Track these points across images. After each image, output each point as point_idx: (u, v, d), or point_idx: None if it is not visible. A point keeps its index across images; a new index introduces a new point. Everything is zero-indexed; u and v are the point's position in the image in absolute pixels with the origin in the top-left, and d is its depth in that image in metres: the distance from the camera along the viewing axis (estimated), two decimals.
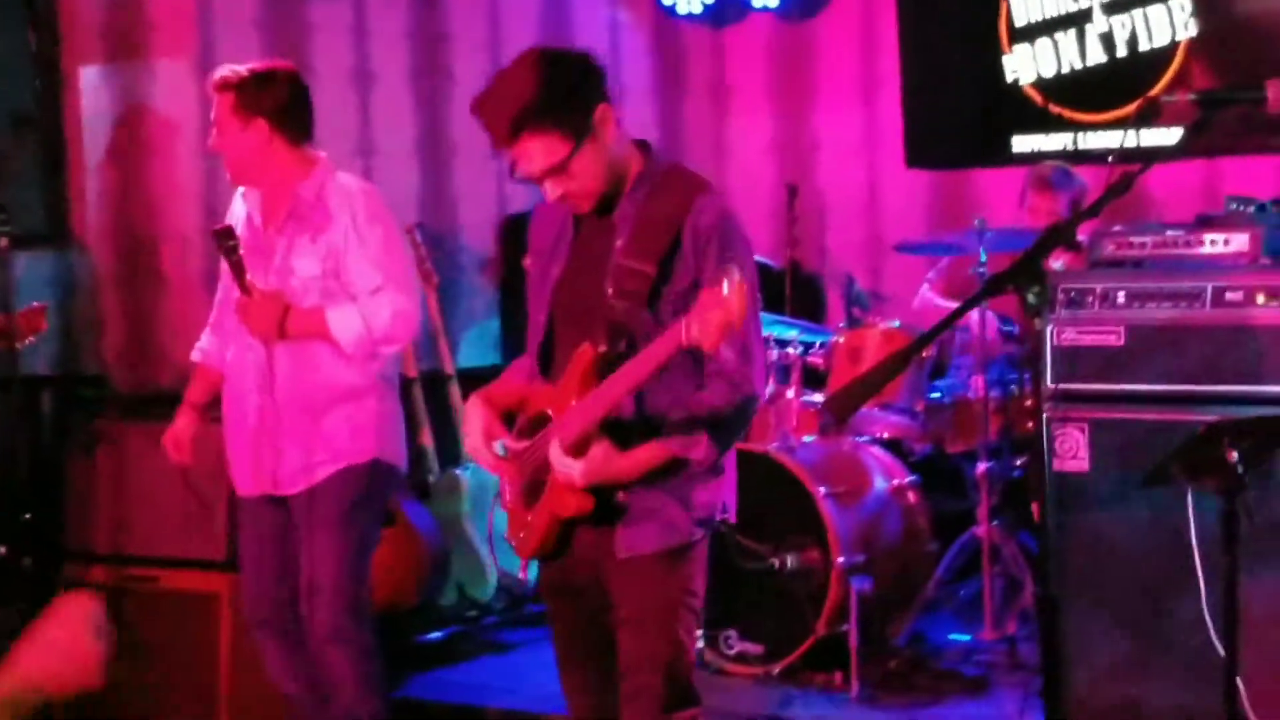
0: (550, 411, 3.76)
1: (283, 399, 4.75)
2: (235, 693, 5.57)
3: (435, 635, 6.25)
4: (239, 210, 4.88)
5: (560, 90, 3.63)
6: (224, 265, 4.82)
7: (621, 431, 3.66)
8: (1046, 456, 3.17)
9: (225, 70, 4.79)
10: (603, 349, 3.66)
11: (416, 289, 4.84)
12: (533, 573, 6.39)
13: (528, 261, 4.01)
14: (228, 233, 4.70)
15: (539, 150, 3.64)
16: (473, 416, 3.86)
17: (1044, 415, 4.57)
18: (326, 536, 4.74)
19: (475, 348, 7.08)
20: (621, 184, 3.75)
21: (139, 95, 6.40)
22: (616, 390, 3.60)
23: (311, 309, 4.68)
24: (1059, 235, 3.32)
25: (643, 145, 3.83)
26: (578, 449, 3.65)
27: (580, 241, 3.85)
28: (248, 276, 4.68)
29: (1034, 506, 3.25)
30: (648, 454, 3.66)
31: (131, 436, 5.85)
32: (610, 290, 3.69)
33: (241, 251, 4.70)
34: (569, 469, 3.65)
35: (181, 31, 6.33)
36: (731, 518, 3.92)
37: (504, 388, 3.97)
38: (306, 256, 4.71)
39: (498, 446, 3.88)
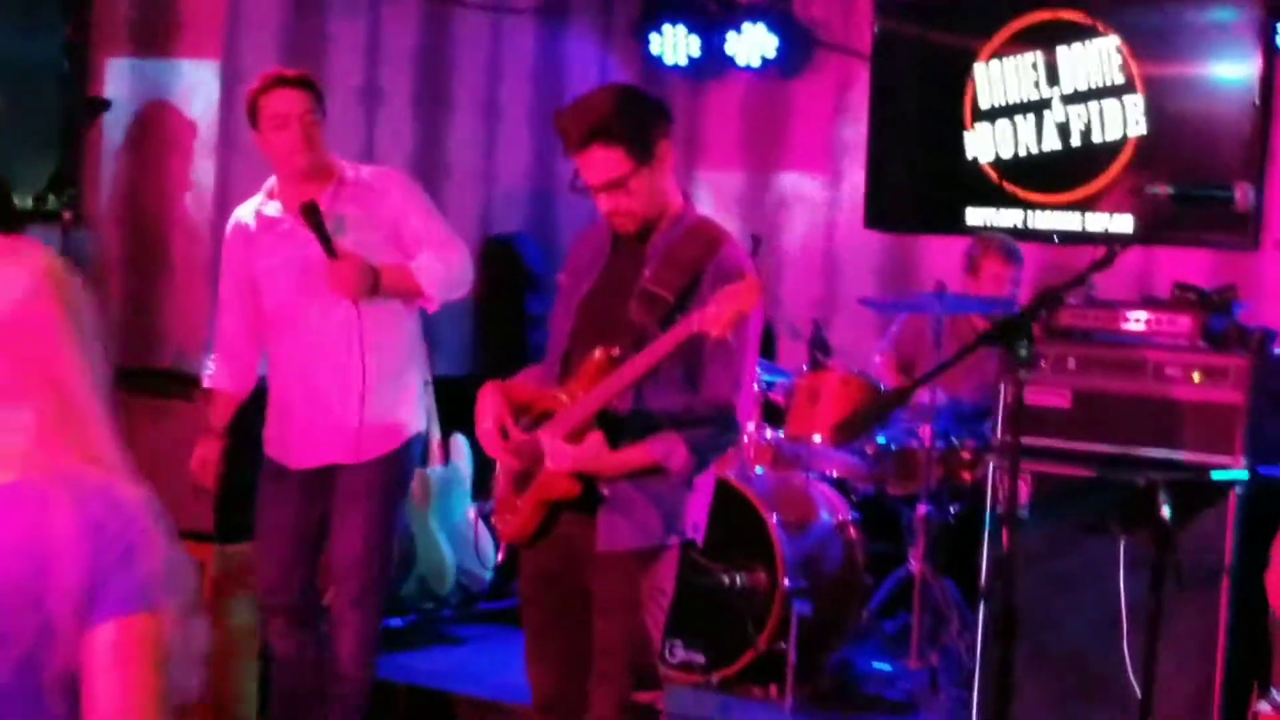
0: (555, 409, 4.17)
1: (369, 363, 5.05)
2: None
3: (396, 622, 6.61)
4: (270, 207, 5.17)
5: (634, 116, 4.06)
6: (227, 276, 5.17)
7: (615, 426, 4.07)
8: (1013, 486, 3.59)
9: (289, 70, 5.17)
10: (615, 352, 4.07)
11: None
12: (498, 577, 6.82)
13: (562, 277, 4.43)
14: (314, 208, 4.95)
15: (605, 162, 4.05)
16: (487, 403, 4.24)
17: (993, 464, 5.09)
18: (375, 506, 5.09)
19: (449, 358, 7.45)
20: (661, 218, 4.19)
21: (161, 90, 6.74)
22: (623, 380, 4.02)
23: (396, 265, 5.03)
24: (1050, 299, 3.78)
25: (685, 195, 4.28)
26: (574, 437, 4.07)
27: (612, 265, 4.27)
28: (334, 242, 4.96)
29: (1004, 535, 3.67)
30: (633, 456, 4.07)
31: (129, 409, 6.16)
32: (631, 306, 4.13)
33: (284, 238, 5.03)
34: (563, 454, 4.07)
35: (208, 33, 6.67)
36: (699, 539, 4.36)
37: (519, 385, 4.36)
38: (366, 227, 5.05)
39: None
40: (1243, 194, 4.02)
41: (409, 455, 5.23)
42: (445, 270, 5.10)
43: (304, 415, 5.14)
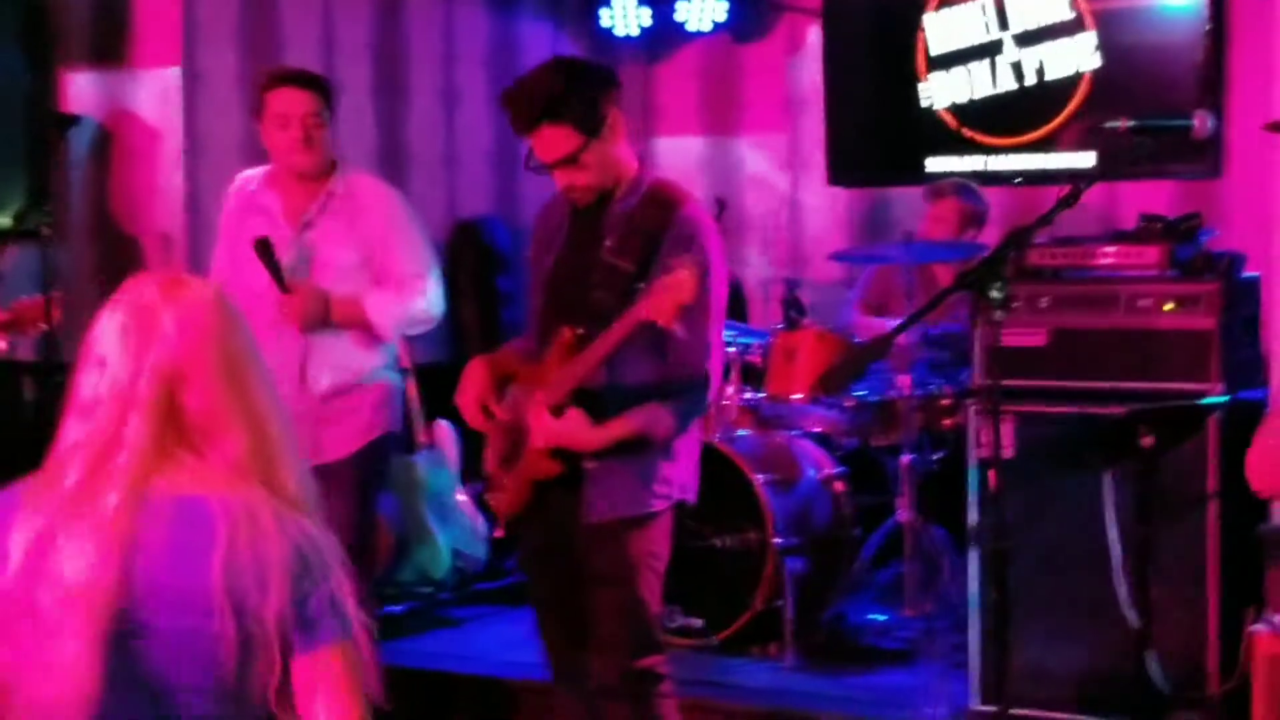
0: (534, 387, 4.24)
1: (313, 387, 5.11)
2: None
3: (395, 609, 6.66)
4: (268, 196, 5.20)
5: (579, 91, 4.10)
6: (223, 241, 5.19)
7: (593, 402, 4.14)
8: (997, 428, 3.65)
9: (297, 69, 5.23)
10: (580, 331, 4.14)
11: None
12: (492, 557, 6.87)
13: (528, 253, 4.50)
14: (267, 244, 5.01)
15: (555, 140, 4.10)
16: (472, 379, 4.31)
17: (973, 408, 5.14)
18: (352, 503, 5.11)
19: (427, 345, 7.47)
20: (618, 186, 4.23)
21: (123, 100, 6.76)
22: (589, 361, 4.08)
23: (350, 297, 5.07)
24: (1019, 239, 3.83)
25: (640, 158, 4.33)
26: (555, 413, 4.13)
27: (574, 236, 4.33)
28: (286, 277, 5.02)
29: (991, 475, 3.74)
30: (615, 428, 4.14)
31: None
32: (594, 281, 4.19)
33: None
34: (545, 431, 4.13)
35: (165, 40, 6.68)
36: (692, 498, 4.42)
37: (505, 358, 4.43)
38: (343, 246, 5.11)
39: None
40: (1201, 122, 4.08)
41: (374, 457, 5.26)
42: (401, 311, 5.15)
43: None
